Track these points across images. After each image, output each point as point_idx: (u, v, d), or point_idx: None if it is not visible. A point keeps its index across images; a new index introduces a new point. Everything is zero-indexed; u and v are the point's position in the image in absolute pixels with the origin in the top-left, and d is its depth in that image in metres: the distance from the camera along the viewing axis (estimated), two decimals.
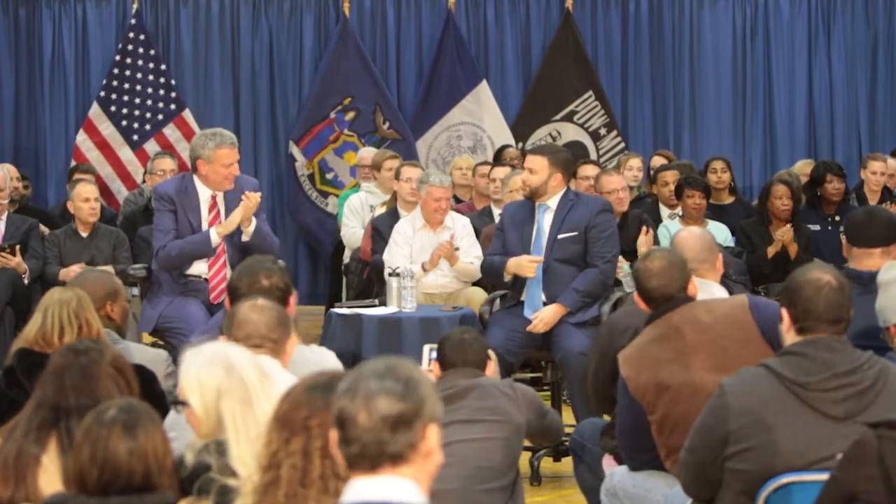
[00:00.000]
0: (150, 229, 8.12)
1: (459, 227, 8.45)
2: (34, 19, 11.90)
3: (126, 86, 11.64)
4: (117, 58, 11.68)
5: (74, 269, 8.54)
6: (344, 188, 11.48)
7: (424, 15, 12.26)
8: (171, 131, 11.63)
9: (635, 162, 10.42)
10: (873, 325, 4.87)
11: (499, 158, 10.80)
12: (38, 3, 11.90)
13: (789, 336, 3.95)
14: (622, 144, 12.10)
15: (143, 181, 10.47)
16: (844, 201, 9.69)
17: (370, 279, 9.02)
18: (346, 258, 9.99)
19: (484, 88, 12.02)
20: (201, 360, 3.48)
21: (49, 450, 3.73)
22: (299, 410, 2.94)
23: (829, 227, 9.47)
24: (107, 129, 11.59)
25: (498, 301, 7.61)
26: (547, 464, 7.31)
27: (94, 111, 11.61)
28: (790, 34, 12.49)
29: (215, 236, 7.27)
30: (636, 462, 4.82)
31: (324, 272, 11.80)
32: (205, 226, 7.32)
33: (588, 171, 9.24)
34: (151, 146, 11.48)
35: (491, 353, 5.19)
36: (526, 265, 7.24)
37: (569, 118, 12.13)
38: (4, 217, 9.04)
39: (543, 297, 7.26)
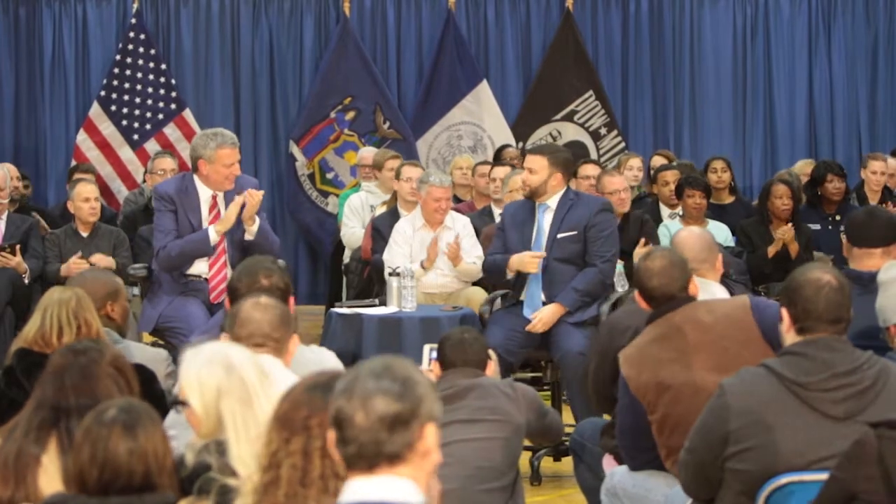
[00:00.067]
0: (150, 229, 8.12)
1: (459, 227, 8.45)
2: (34, 19, 11.90)
3: (126, 85, 11.64)
4: (117, 57, 11.68)
5: (74, 262, 8.54)
6: (344, 188, 11.48)
7: (424, 15, 12.26)
8: (171, 131, 11.63)
9: (635, 162, 10.42)
10: (873, 325, 4.87)
11: (499, 158, 10.79)
12: (38, 3, 11.90)
13: (789, 336, 3.95)
14: (622, 144, 12.10)
15: (144, 181, 10.47)
16: (845, 201, 9.70)
17: (370, 279, 9.02)
18: (346, 258, 9.99)
19: (484, 88, 12.02)
20: (201, 359, 3.48)
21: (49, 450, 3.73)
22: (299, 410, 2.94)
23: (830, 227, 9.47)
24: (107, 128, 11.59)
25: (499, 300, 7.62)
26: (547, 464, 7.31)
27: (95, 111, 11.61)
28: (790, 34, 12.49)
29: (214, 234, 7.26)
30: (636, 462, 4.82)
31: (324, 272, 11.80)
32: (205, 226, 7.32)
33: (589, 170, 9.24)
34: (152, 146, 11.48)
35: (491, 352, 5.20)
36: (528, 261, 7.25)
37: (569, 118, 12.13)
38: (4, 217, 9.04)
39: (543, 297, 7.27)
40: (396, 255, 8.24)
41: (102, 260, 8.63)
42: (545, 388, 7.99)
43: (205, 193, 7.34)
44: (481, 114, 12.00)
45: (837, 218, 9.44)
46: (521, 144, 11.71)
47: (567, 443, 6.18)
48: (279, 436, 2.93)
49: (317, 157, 11.89)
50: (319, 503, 2.85)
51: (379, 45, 12.21)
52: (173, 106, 11.69)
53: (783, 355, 3.93)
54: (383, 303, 7.78)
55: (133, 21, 11.76)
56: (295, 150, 11.88)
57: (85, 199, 8.88)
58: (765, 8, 12.48)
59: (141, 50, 11.69)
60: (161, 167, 9.76)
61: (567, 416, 7.06)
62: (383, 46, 12.23)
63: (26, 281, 8.66)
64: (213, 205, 7.34)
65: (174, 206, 7.32)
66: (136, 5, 11.79)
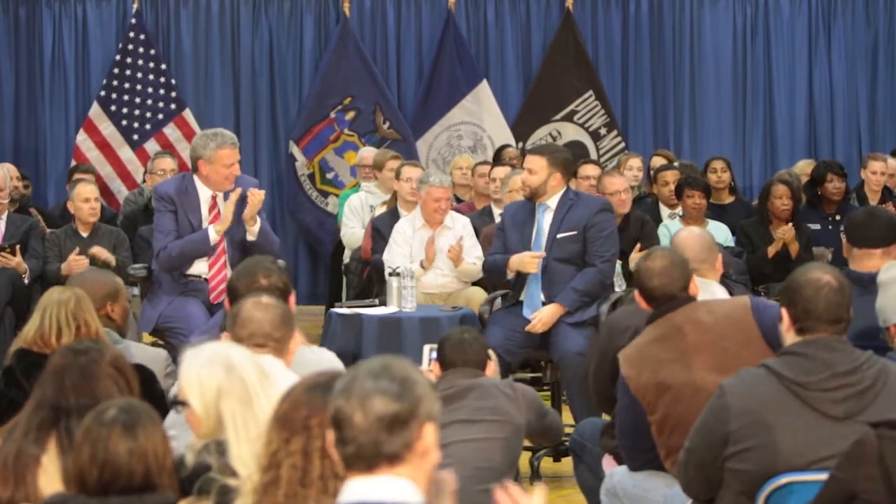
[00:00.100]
0: (150, 229, 8.12)
1: (459, 227, 8.45)
2: (34, 19, 11.90)
3: (126, 85, 11.64)
4: (117, 58, 11.68)
5: (74, 259, 8.53)
6: (344, 188, 11.48)
7: (424, 15, 12.26)
8: (171, 131, 11.63)
9: (635, 162, 10.42)
10: (873, 325, 4.87)
11: (498, 158, 10.79)
12: (38, 3, 11.89)
13: (789, 336, 3.95)
14: (622, 144, 12.09)
15: (143, 181, 10.47)
16: (845, 201, 9.69)
17: (370, 279, 9.02)
18: (346, 258, 9.99)
19: (484, 88, 12.02)
20: (201, 360, 3.48)
21: (49, 450, 3.72)
22: (299, 410, 2.94)
23: (830, 227, 9.46)
24: (107, 128, 11.59)
25: (499, 300, 7.62)
26: (547, 464, 7.31)
27: (95, 111, 11.61)
28: (790, 34, 12.48)
29: (214, 234, 7.26)
30: (636, 462, 4.82)
31: (324, 272, 11.80)
32: (205, 226, 7.31)
33: (589, 170, 9.24)
34: (151, 146, 11.48)
35: (491, 353, 5.20)
36: (528, 261, 7.25)
37: (569, 118, 12.12)
38: (4, 217, 9.04)
39: (542, 297, 7.26)
40: (396, 255, 8.24)
41: (102, 252, 8.62)
42: (545, 388, 7.99)
43: (205, 194, 7.34)
44: (481, 114, 12.00)
45: (837, 218, 9.44)
46: (520, 144, 11.71)
47: (567, 443, 6.18)
48: (279, 436, 2.93)
49: (317, 157, 11.89)
50: (319, 503, 2.85)
51: (379, 45, 12.21)
52: (173, 106, 11.69)
53: (783, 355, 3.93)
54: (383, 303, 7.78)
55: (133, 21, 11.76)
56: (295, 150, 11.88)
57: (85, 200, 8.88)
58: (765, 8, 12.47)
59: (141, 50, 11.69)
60: (161, 167, 9.75)
61: (567, 417, 7.06)
62: (383, 46, 12.23)
63: (26, 281, 8.66)
64: (213, 205, 7.34)
65: (174, 206, 7.32)
66: (135, 5, 11.79)
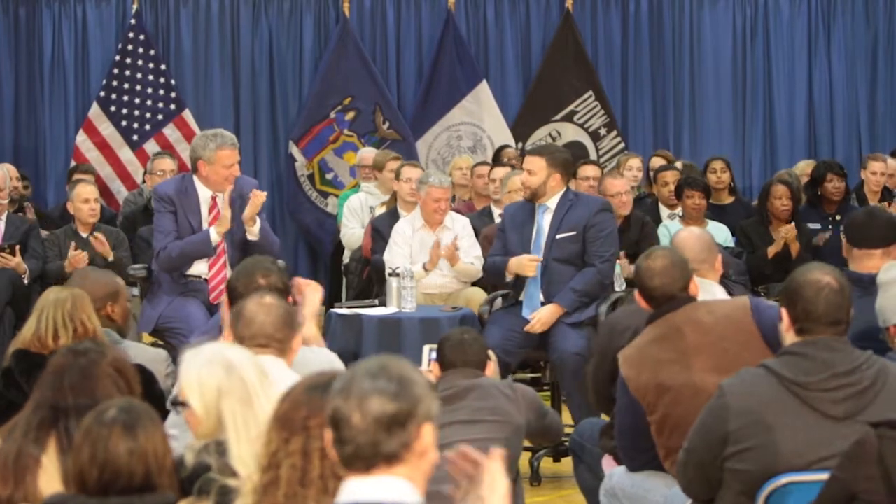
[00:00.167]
0: (150, 229, 8.12)
1: (459, 227, 8.45)
2: (34, 19, 11.90)
3: (126, 86, 11.64)
4: (117, 58, 11.68)
5: (74, 256, 8.52)
6: (344, 188, 11.48)
7: (424, 15, 12.26)
8: (170, 131, 11.63)
9: (635, 162, 10.41)
10: (873, 326, 4.87)
11: (498, 158, 10.79)
12: (38, 3, 11.89)
13: (789, 336, 3.95)
14: (622, 144, 12.09)
15: (143, 181, 10.46)
16: (845, 200, 9.69)
17: (370, 279, 9.02)
18: (346, 258, 9.99)
19: (484, 88, 12.02)
20: (201, 360, 3.48)
21: (48, 450, 3.72)
22: (299, 410, 2.94)
23: (830, 227, 9.46)
24: (107, 129, 11.58)
25: (499, 301, 7.62)
26: (547, 464, 7.31)
27: (94, 111, 11.61)
28: (790, 34, 12.49)
29: (215, 235, 7.27)
30: (635, 462, 4.82)
31: (324, 272, 11.79)
32: (205, 226, 7.32)
33: (588, 171, 9.23)
34: (151, 146, 11.48)
35: (491, 353, 5.20)
36: (526, 264, 7.25)
37: (569, 118, 12.12)
38: (4, 217, 9.04)
39: (542, 297, 7.26)
40: (396, 255, 8.24)
41: (101, 244, 8.60)
42: (544, 388, 8.00)
43: (204, 194, 7.34)
44: (481, 114, 12.00)
45: (837, 218, 9.43)
46: (520, 145, 11.71)
47: (567, 443, 6.18)
48: (279, 436, 2.93)
49: (316, 157, 11.89)
50: (319, 503, 2.85)
51: (378, 46, 12.21)
52: (173, 106, 11.68)
53: (783, 355, 3.93)
54: (383, 303, 7.78)
55: (133, 21, 11.75)
56: (294, 150, 11.88)
57: (85, 200, 8.88)
58: (764, 8, 12.48)
59: (140, 50, 11.69)
60: (160, 168, 9.75)
61: (567, 417, 7.06)
62: (383, 46, 12.23)
63: (26, 281, 8.66)
64: (213, 205, 7.34)
65: (174, 206, 7.32)
66: (135, 6, 11.79)
